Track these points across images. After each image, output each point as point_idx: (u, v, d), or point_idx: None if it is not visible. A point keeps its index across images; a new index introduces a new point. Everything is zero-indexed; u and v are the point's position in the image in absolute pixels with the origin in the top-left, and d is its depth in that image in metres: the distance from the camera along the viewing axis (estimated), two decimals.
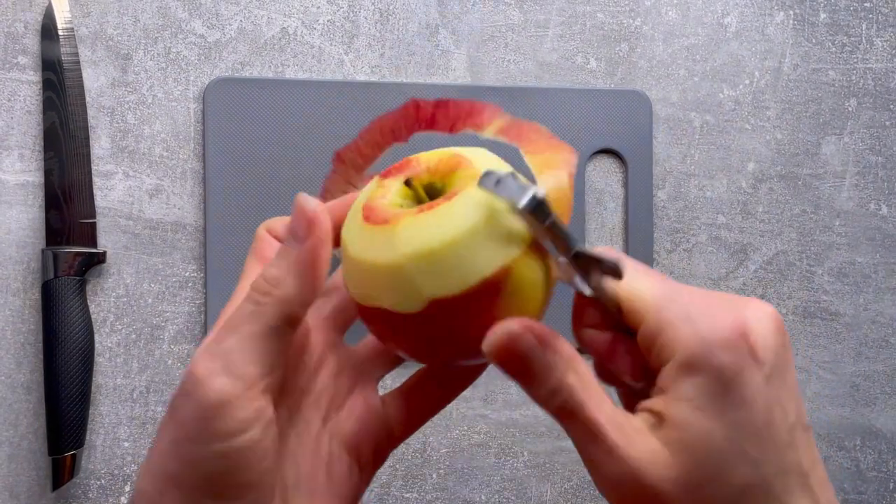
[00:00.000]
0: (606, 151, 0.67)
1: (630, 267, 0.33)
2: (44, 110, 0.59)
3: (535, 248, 0.32)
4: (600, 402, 0.30)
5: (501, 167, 0.33)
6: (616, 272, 0.32)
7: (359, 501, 0.36)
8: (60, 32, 0.59)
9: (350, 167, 0.48)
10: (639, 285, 0.32)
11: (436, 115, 0.39)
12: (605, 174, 0.67)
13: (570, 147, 0.36)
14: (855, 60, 0.71)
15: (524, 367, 0.30)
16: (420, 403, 0.36)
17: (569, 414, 0.30)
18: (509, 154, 0.36)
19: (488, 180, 0.30)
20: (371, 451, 0.36)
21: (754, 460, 0.30)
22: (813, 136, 0.70)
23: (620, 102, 0.67)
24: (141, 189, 0.61)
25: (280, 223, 0.36)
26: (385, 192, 0.33)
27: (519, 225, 0.31)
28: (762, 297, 0.69)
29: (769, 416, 0.30)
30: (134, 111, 0.61)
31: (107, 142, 0.61)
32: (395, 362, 0.38)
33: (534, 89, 0.66)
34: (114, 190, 0.61)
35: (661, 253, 0.68)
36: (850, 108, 0.70)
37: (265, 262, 0.34)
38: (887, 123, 0.71)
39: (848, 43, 0.71)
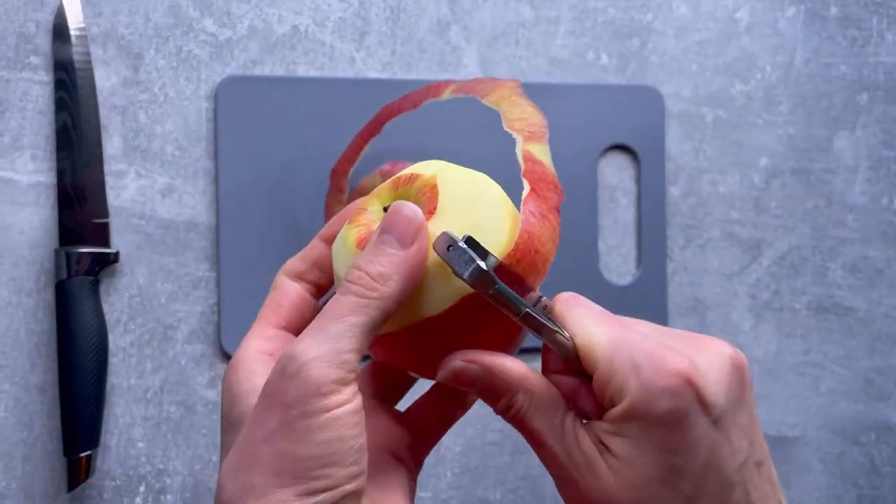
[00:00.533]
0: (619, 147, 0.67)
1: (586, 315, 0.35)
2: (56, 110, 0.59)
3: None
4: (549, 415, 0.34)
5: (441, 169, 0.36)
6: (562, 343, 0.34)
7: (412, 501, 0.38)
8: (72, 32, 0.59)
9: (341, 176, 0.58)
10: (592, 334, 0.34)
11: (402, 106, 0.48)
12: (617, 170, 0.67)
13: (511, 80, 0.41)
14: (866, 55, 0.71)
15: (476, 390, 0.34)
16: (434, 413, 0.39)
17: (518, 425, 0.34)
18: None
19: (440, 244, 0.33)
20: (405, 457, 0.37)
21: (690, 498, 0.32)
22: (825, 130, 0.70)
23: (632, 98, 0.67)
24: (153, 188, 0.61)
25: (299, 263, 0.38)
26: (365, 224, 0.36)
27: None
28: (776, 292, 0.69)
29: (713, 458, 0.32)
30: (146, 110, 0.61)
31: (119, 141, 0.60)
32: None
33: (545, 85, 0.66)
34: (126, 189, 0.60)
35: (674, 249, 0.67)
36: (861, 103, 0.70)
37: (280, 313, 0.37)
38: None
39: (859, 37, 0.70)
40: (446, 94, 0.46)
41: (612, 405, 0.33)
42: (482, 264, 0.32)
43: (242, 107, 0.61)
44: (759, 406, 0.38)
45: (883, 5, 0.71)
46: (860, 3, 0.70)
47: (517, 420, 0.34)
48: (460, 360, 0.33)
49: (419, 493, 0.63)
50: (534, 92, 0.65)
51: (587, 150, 0.66)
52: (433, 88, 0.47)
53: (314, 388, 0.31)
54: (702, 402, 0.32)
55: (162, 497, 0.60)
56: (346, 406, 0.31)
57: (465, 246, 0.32)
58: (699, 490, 0.32)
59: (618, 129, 0.66)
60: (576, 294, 0.36)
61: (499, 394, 0.34)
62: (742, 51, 0.69)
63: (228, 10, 0.62)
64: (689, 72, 0.68)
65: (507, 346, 0.36)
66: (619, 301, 0.66)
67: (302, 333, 0.32)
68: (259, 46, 0.62)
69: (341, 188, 0.59)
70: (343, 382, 0.31)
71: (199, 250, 0.61)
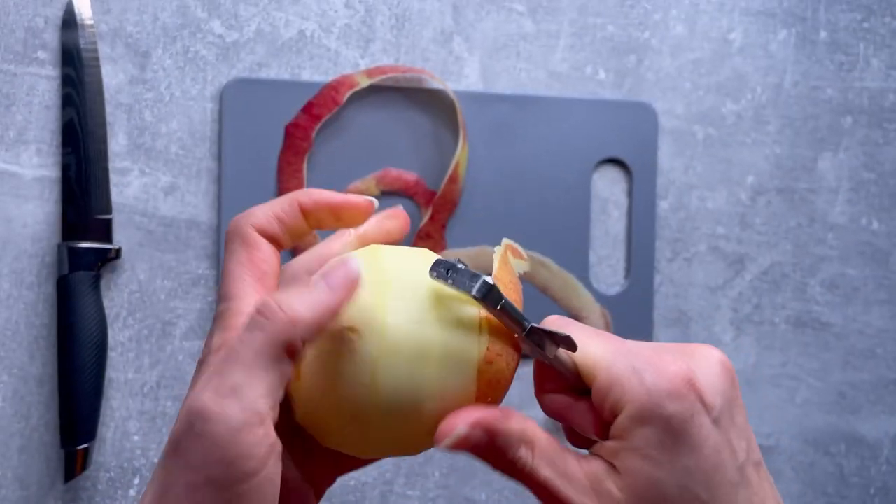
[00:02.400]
0: (612, 161, 0.69)
1: (581, 332, 0.35)
2: (62, 106, 0.59)
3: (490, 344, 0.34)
4: (552, 462, 0.33)
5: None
6: (570, 345, 0.34)
7: None
8: (80, 28, 0.59)
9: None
10: (591, 347, 0.34)
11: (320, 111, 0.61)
12: (610, 183, 0.69)
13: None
14: (852, 79, 0.73)
15: (479, 454, 0.33)
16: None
17: (526, 479, 0.33)
18: None
19: (440, 271, 0.33)
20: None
21: (704, 502, 0.32)
22: (810, 151, 0.72)
23: (627, 113, 0.68)
24: (156, 186, 0.61)
25: (276, 225, 0.35)
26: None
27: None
28: (757, 306, 0.71)
29: (718, 458, 0.33)
30: (151, 109, 0.61)
31: (124, 139, 0.61)
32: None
33: (544, 98, 0.67)
34: (130, 186, 0.61)
35: (661, 261, 0.69)
36: (845, 126, 0.73)
37: (268, 284, 0.34)
38: (880, 141, 0.73)
39: (846, 62, 0.73)
40: (363, 82, 0.60)
41: (614, 415, 0.33)
42: (489, 279, 0.32)
43: (247, 109, 0.62)
44: None
45: (870, 31, 0.73)
46: (848, 30, 0.73)
47: (525, 475, 0.33)
48: (464, 427, 0.32)
49: (407, 492, 0.65)
50: (532, 104, 0.67)
51: (582, 163, 0.68)
52: (346, 82, 0.59)
53: (221, 453, 0.29)
54: (703, 403, 0.33)
55: None
56: (264, 472, 0.29)
57: (464, 266, 0.33)
58: (713, 492, 0.32)
59: (612, 143, 0.68)
60: (562, 316, 0.36)
61: (503, 452, 0.33)
62: (734, 71, 0.71)
63: (236, 12, 0.63)
64: (683, 89, 0.70)
65: None
66: (607, 310, 0.68)
67: (200, 378, 0.30)
68: (265, 50, 0.63)
69: (300, 153, 0.62)
70: (257, 436, 0.29)
71: (199, 249, 0.62)
